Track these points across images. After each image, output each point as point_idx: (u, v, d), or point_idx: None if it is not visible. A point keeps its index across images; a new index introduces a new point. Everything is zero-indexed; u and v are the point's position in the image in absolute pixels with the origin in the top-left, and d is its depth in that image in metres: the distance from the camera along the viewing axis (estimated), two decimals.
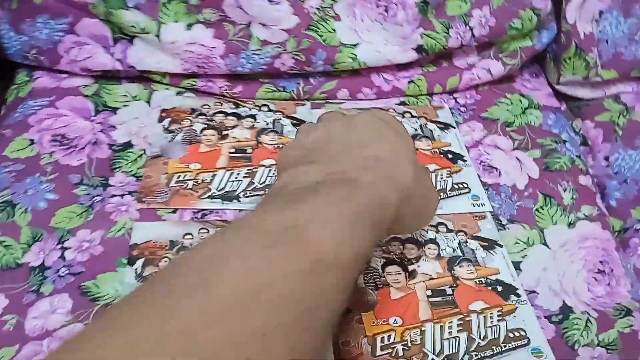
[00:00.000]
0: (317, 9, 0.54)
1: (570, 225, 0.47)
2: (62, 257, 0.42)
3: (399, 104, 0.58)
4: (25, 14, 0.52)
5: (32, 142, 0.49)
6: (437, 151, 0.52)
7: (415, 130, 0.54)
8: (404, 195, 0.30)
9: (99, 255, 0.42)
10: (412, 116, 0.56)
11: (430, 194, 0.35)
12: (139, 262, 0.41)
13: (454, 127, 0.55)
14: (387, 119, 0.34)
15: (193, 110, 0.54)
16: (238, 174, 0.49)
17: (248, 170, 0.49)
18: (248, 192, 0.47)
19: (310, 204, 0.26)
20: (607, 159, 0.55)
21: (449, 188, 0.49)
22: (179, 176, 0.48)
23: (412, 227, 0.39)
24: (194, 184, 0.47)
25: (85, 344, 0.20)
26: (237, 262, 0.22)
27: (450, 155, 0.52)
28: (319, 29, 0.54)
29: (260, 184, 0.48)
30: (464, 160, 0.52)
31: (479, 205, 0.48)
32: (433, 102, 0.58)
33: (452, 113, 0.57)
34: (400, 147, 0.32)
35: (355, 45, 0.55)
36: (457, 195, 0.49)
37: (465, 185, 0.50)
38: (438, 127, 0.55)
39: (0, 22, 0.54)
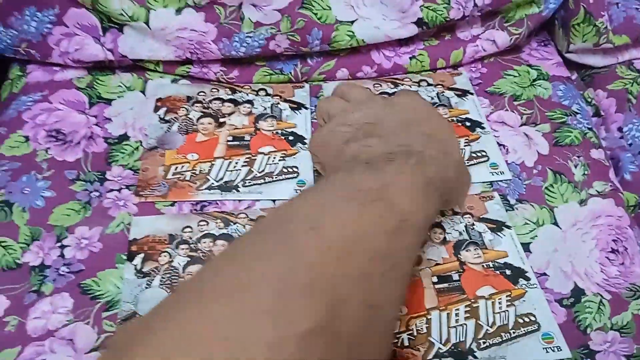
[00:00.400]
0: None
1: (582, 202, 0.45)
2: (62, 255, 0.41)
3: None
4: (11, 7, 0.50)
5: (27, 138, 0.48)
6: (455, 119, 0.51)
7: (432, 98, 0.53)
8: (456, 171, 0.33)
9: (98, 252, 0.42)
10: (429, 84, 0.55)
11: (465, 170, 0.38)
12: (139, 258, 0.41)
13: (472, 94, 0.54)
14: (423, 101, 0.38)
15: (189, 98, 0.53)
16: (237, 163, 0.47)
17: (247, 158, 0.48)
18: (247, 181, 0.46)
19: (388, 171, 0.29)
20: (620, 130, 0.53)
21: (467, 157, 0.48)
22: (177, 167, 0.47)
23: (451, 203, 0.41)
24: (191, 175, 0.46)
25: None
26: (342, 213, 0.26)
27: (468, 123, 0.51)
28: (314, 6, 0.52)
29: (260, 172, 0.47)
30: (482, 128, 0.50)
31: (498, 174, 0.47)
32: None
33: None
34: (445, 125, 0.36)
35: (352, 22, 0.53)
36: (475, 164, 0.48)
37: (484, 154, 0.48)
38: (455, 94, 0.54)
39: None
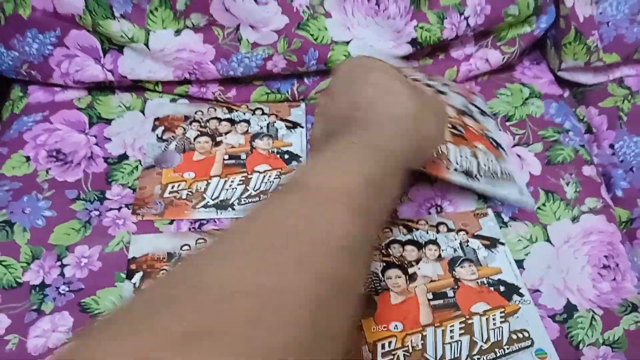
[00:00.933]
0: (307, 7, 0.53)
1: (574, 219, 0.46)
2: (62, 274, 0.42)
3: None
4: (14, 29, 0.51)
5: (28, 159, 0.49)
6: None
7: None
8: (410, 136, 0.32)
9: (97, 271, 0.42)
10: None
11: (430, 103, 0.35)
12: (137, 276, 0.41)
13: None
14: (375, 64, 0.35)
15: (186, 118, 0.53)
16: (232, 181, 0.48)
17: (242, 177, 0.49)
18: (243, 199, 0.47)
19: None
20: (612, 146, 0.54)
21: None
22: (173, 186, 0.48)
23: (429, 145, 0.37)
24: (188, 194, 0.47)
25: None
26: (282, 205, 0.26)
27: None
28: (310, 27, 0.53)
29: (255, 191, 0.48)
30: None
31: None
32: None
33: None
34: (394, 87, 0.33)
35: (347, 42, 0.54)
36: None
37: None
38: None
39: None
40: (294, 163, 0.50)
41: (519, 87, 0.57)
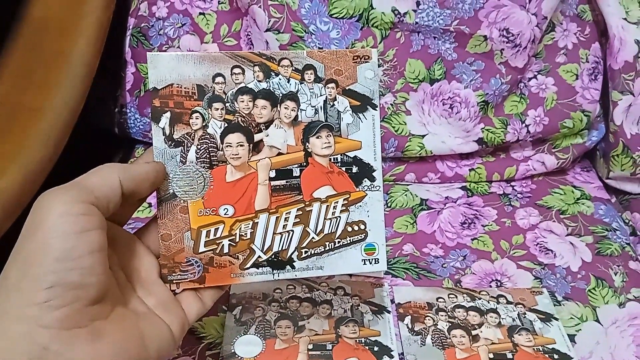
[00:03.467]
0: (391, 104, 0.63)
1: (621, 305, 0.51)
2: None
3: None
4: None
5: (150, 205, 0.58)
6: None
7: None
8: None
9: None
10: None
11: None
12: (237, 309, 0.48)
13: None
14: None
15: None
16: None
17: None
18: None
19: None
20: None
21: None
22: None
23: None
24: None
25: None
26: None
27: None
28: (392, 121, 0.63)
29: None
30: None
31: None
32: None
33: (510, 198, 0.64)
34: None
35: (423, 136, 0.64)
36: None
37: None
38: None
39: (129, 106, 0.65)
40: None
41: (570, 188, 0.65)
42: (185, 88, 0.35)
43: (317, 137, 0.36)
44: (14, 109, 0.38)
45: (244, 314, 0.48)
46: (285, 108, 0.36)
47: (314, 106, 0.36)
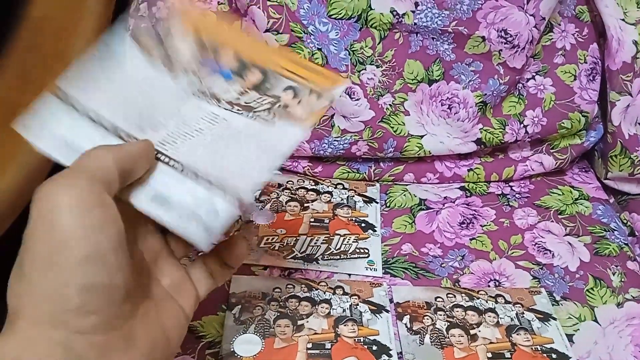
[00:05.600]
0: (390, 105, 0.63)
1: (619, 305, 0.51)
2: None
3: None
4: None
5: None
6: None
7: (511, 319, 0.49)
8: None
9: (203, 301, 0.49)
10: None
11: None
12: (237, 308, 0.48)
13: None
14: None
15: (279, 185, 0.63)
16: (317, 239, 0.56)
17: (325, 237, 0.57)
18: (326, 255, 0.55)
19: None
20: None
21: None
22: (268, 239, 0.56)
23: None
24: (279, 246, 0.55)
25: None
26: None
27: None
28: (391, 121, 0.63)
29: (336, 250, 0.55)
30: None
31: None
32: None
33: (508, 198, 0.64)
34: None
35: (421, 136, 0.64)
36: None
37: None
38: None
39: None
40: (369, 231, 0.58)
41: (569, 188, 0.65)
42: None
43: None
44: (12, 109, 0.39)
45: (243, 313, 0.48)
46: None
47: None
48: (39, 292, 0.26)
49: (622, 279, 0.53)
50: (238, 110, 0.38)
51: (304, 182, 0.64)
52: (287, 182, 0.64)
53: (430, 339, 0.47)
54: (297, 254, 0.55)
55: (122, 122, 0.34)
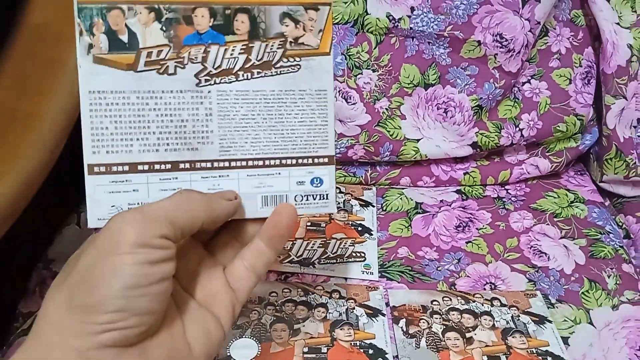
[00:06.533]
0: (386, 109, 0.64)
1: (614, 307, 0.51)
2: None
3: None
4: None
5: None
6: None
7: (507, 322, 0.49)
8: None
9: None
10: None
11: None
12: None
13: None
14: None
15: None
16: (314, 243, 0.56)
17: (322, 241, 0.57)
18: (322, 259, 0.55)
19: None
20: None
21: None
22: None
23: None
24: None
25: None
26: None
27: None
28: (387, 125, 0.64)
29: (333, 254, 0.55)
30: None
31: None
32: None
33: (504, 202, 0.64)
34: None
35: (418, 140, 0.64)
36: None
37: None
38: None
39: None
40: (366, 235, 0.58)
41: (564, 191, 0.66)
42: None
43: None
44: (10, 115, 0.39)
45: (239, 317, 0.48)
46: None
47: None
48: (76, 302, 0.28)
49: (617, 282, 0.54)
50: (259, 73, 0.35)
51: None
52: None
53: (426, 342, 0.47)
54: (293, 258, 0.55)
55: (172, 155, 0.34)
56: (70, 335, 0.27)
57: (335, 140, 0.63)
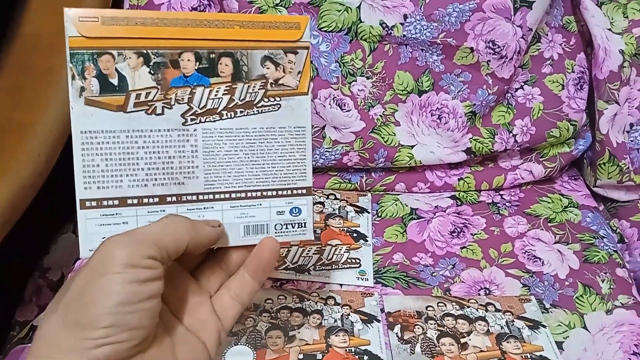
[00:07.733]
0: (380, 116, 0.64)
1: (608, 312, 0.51)
2: None
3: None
4: None
5: None
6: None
7: (501, 327, 0.49)
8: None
9: None
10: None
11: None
12: None
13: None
14: None
15: None
16: (309, 250, 0.57)
17: (317, 247, 0.57)
18: (317, 266, 0.55)
19: None
20: None
21: None
22: None
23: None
24: None
25: None
26: None
27: None
28: (382, 132, 0.64)
29: (328, 260, 0.56)
30: None
31: None
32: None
33: (498, 207, 0.64)
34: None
35: (412, 147, 0.64)
36: None
37: None
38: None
39: None
40: (361, 241, 0.59)
41: (558, 196, 0.66)
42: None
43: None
44: (4, 126, 0.39)
45: (234, 324, 0.48)
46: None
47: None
48: (70, 320, 0.29)
49: (611, 286, 0.54)
50: (242, 112, 0.38)
51: None
52: None
53: (421, 348, 0.47)
54: (289, 265, 0.55)
55: (160, 189, 0.36)
56: (66, 352, 0.29)
57: (330, 147, 0.63)
